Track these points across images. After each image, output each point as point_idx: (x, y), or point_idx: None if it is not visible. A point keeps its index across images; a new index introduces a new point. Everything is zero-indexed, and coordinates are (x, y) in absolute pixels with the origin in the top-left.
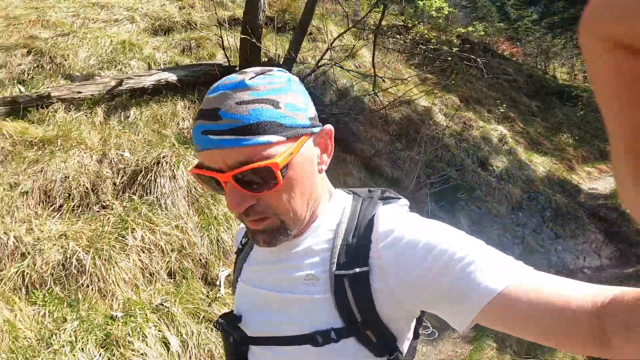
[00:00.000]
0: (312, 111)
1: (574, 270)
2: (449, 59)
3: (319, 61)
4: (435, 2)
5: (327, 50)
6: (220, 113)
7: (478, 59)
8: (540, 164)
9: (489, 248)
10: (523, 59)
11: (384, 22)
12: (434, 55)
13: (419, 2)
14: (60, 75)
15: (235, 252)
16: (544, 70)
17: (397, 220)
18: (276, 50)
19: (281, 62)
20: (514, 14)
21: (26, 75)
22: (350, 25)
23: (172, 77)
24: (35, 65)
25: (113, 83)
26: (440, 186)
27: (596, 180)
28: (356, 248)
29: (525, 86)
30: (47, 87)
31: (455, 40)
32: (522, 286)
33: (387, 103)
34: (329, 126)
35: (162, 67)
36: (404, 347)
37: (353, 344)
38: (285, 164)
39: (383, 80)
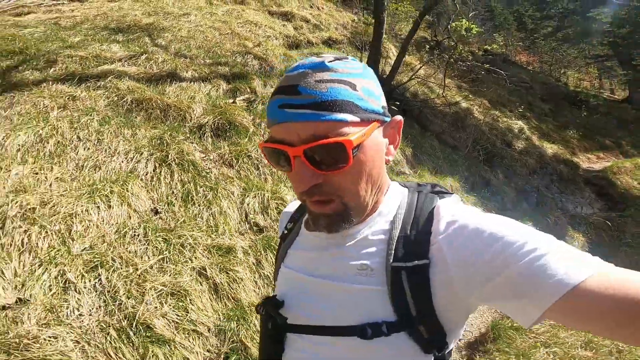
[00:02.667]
0: (384, 101)
1: (574, 215)
2: (482, 72)
3: (411, 78)
4: (465, 23)
5: (417, 70)
6: (299, 89)
7: (502, 72)
8: (549, 148)
9: (561, 242)
10: (539, 66)
11: (422, 34)
12: (468, 69)
13: (452, 24)
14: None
15: (280, 237)
16: (557, 77)
17: (459, 212)
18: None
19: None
20: (531, 24)
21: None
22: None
23: None
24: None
25: None
26: (483, 153)
27: (594, 164)
28: (415, 240)
29: (540, 92)
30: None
31: (477, 52)
32: (597, 282)
33: (440, 102)
34: (399, 117)
35: None
36: (452, 345)
37: (403, 339)
38: (357, 144)
39: (443, 89)
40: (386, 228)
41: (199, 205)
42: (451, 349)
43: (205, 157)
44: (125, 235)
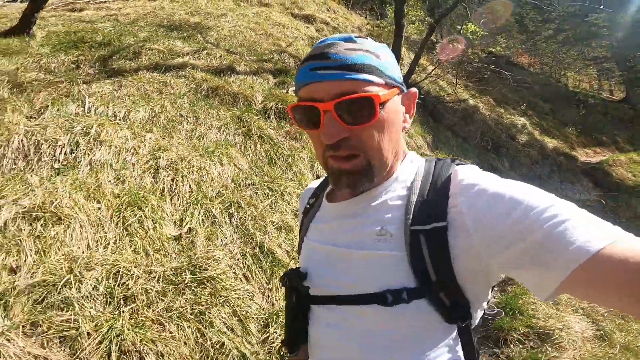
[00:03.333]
0: (401, 75)
1: (573, 200)
2: (488, 73)
3: (426, 77)
4: (471, 27)
5: (432, 71)
6: (330, 55)
7: (506, 73)
8: (550, 142)
9: (582, 210)
10: (540, 67)
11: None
12: (475, 69)
13: (457, 26)
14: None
15: (302, 212)
16: (557, 79)
17: (479, 177)
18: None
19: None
20: (532, 26)
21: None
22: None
23: None
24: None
25: None
26: (491, 144)
27: (591, 158)
28: (434, 203)
29: (541, 92)
30: None
31: (481, 54)
32: (617, 251)
33: (450, 99)
34: (414, 89)
35: None
36: (477, 316)
37: (425, 306)
38: (383, 101)
39: (454, 88)
40: (404, 193)
41: (281, 167)
42: (477, 324)
43: (276, 133)
44: (240, 185)
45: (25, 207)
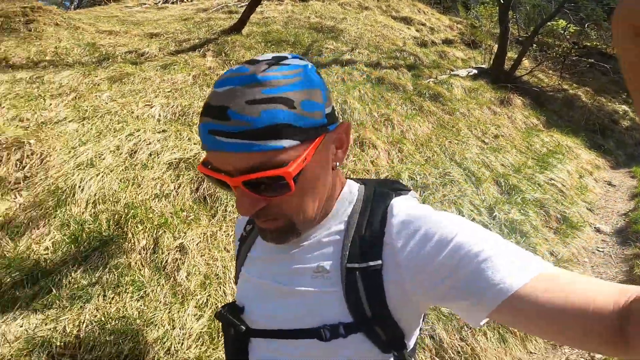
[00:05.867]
0: (330, 105)
1: None
2: (586, 66)
3: (531, 70)
4: (562, 23)
5: (538, 65)
6: (228, 112)
7: (605, 65)
8: None
9: (507, 243)
10: None
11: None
12: (572, 63)
13: (552, 23)
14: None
15: (239, 240)
16: None
17: (411, 213)
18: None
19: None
20: None
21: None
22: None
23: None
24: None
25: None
26: (598, 126)
27: None
28: (369, 240)
29: None
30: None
31: (570, 46)
32: (540, 284)
33: (551, 89)
34: (346, 123)
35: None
36: (411, 343)
37: (361, 340)
38: (298, 172)
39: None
40: (341, 229)
41: (450, 130)
42: (413, 348)
43: (438, 109)
44: (434, 137)
45: None
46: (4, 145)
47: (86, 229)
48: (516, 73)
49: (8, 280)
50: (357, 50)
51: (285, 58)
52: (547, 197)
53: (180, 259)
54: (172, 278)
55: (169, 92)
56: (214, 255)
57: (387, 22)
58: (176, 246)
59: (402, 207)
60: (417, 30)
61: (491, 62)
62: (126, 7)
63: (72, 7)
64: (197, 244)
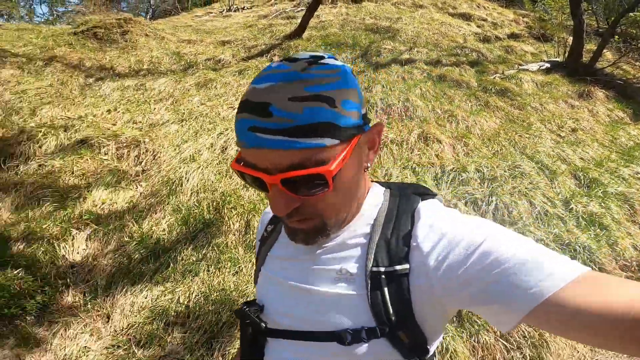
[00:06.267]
0: (364, 107)
1: None
2: None
3: (615, 62)
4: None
5: (620, 58)
6: (270, 109)
7: None
8: None
9: (540, 247)
10: None
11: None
12: None
13: (635, 14)
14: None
15: (260, 240)
16: None
17: (439, 216)
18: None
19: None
20: None
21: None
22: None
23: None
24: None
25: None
26: None
27: None
28: (395, 244)
29: None
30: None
31: None
32: (577, 289)
33: (635, 80)
34: (379, 124)
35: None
36: (433, 348)
37: (383, 345)
38: (337, 171)
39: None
40: (366, 232)
41: (521, 125)
42: (433, 353)
43: (505, 105)
44: (503, 130)
45: None
46: (124, 144)
47: (192, 213)
48: (597, 65)
49: (137, 256)
50: (415, 49)
51: (323, 57)
52: (632, 190)
53: None
54: None
55: None
56: None
57: (444, 19)
58: None
59: (430, 211)
60: (478, 26)
61: (566, 55)
62: (196, 16)
63: (148, 17)
64: None
